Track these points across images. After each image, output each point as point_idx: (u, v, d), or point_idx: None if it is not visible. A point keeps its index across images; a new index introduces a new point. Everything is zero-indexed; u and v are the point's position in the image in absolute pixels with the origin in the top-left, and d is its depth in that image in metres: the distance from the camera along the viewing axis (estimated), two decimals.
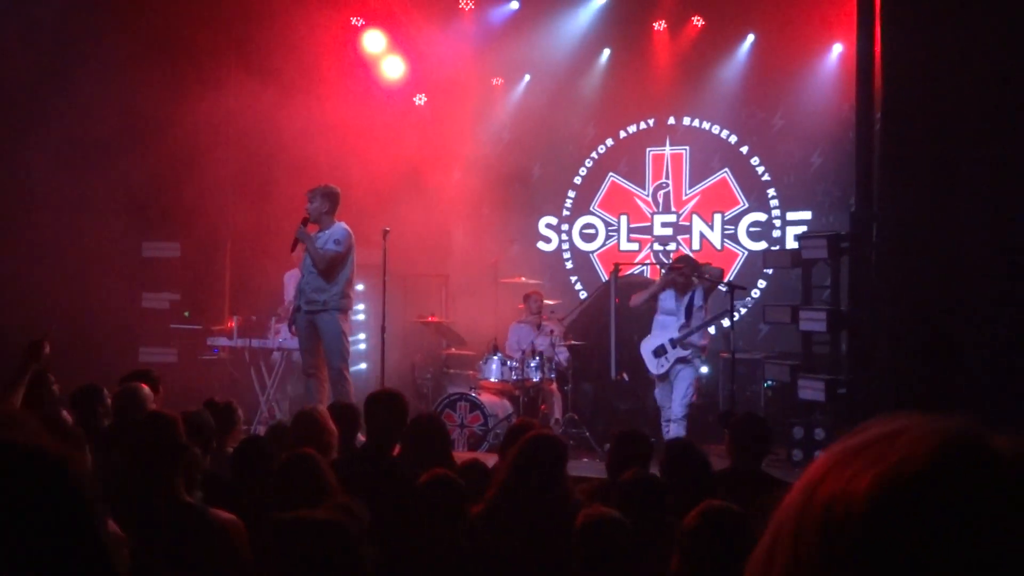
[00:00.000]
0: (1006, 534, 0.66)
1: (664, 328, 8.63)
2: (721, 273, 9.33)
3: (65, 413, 5.36)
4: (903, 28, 7.76)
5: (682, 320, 8.53)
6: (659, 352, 8.60)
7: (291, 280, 9.78)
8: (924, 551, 0.67)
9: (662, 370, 8.58)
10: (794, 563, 0.73)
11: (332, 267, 7.98)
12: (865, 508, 0.69)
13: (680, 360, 8.52)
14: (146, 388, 5.51)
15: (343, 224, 8.14)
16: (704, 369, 10.37)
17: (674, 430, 8.28)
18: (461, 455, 7.34)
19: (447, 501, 3.59)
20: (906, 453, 0.70)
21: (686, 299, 8.58)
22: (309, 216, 8.02)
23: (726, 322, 8.98)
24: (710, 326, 8.85)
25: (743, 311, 11.19)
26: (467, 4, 11.47)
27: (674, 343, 8.49)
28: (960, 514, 0.67)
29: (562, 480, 4.16)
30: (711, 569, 2.92)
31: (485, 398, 9.20)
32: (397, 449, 5.00)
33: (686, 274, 8.55)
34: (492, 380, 9.31)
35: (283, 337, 9.43)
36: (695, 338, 8.55)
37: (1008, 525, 0.66)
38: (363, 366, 10.57)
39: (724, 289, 8.60)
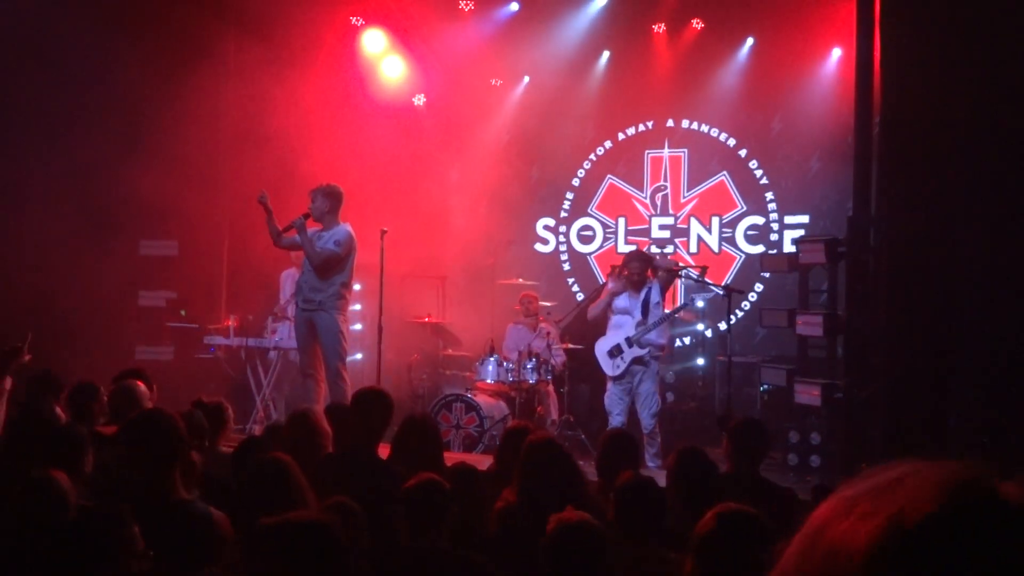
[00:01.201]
0: None
1: (619, 328, 8.46)
2: (675, 264, 9.25)
3: (59, 410, 5.33)
4: (902, 33, 7.76)
5: (638, 318, 8.38)
6: (614, 352, 8.41)
7: (288, 279, 9.77)
8: None
9: (618, 371, 8.39)
10: None
11: (328, 266, 7.93)
12: (867, 557, 0.67)
13: (636, 360, 8.33)
14: (142, 386, 5.50)
15: (347, 226, 8.08)
16: (700, 361, 10.37)
17: (649, 454, 8.18)
18: (456, 456, 7.37)
19: (433, 506, 3.54)
20: (910, 501, 0.68)
21: (641, 295, 8.41)
22: (311, 214, 7.96)
23: (727, 326, 8.96)
24: (667, 320, 8.64)
25: (739, 314, 11.20)
26: (467, 5, 11.46)
27: (630, 342, 8.33)
28: (967, 564, 0.65)
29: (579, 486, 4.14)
30: (727, 572, 2.87)
31: (481, 399, 9.20)
32: (385, 449, 5.00)
33: (638, 271, 8.40)
34: (488, 381, 9.31)
35: (279, 336, 9.42)
36: (653, 336, 8.34)
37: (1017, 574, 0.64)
38: (359, 356, 10.53)
39: (720, 293, 8.58)
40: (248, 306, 10.14)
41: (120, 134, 9.42)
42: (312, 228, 8.03)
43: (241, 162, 10.23)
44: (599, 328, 8.77)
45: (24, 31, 9.26)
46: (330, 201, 8.04)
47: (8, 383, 5.63)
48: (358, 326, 10.67)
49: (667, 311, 8.54)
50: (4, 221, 9.24)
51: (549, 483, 3.98)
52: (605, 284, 9.03)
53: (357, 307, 10.78)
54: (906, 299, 7.57)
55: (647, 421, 8.36)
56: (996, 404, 7.26)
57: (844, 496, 0.73)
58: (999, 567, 0.64)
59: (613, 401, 8.45)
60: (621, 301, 8.50)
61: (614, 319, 8.55)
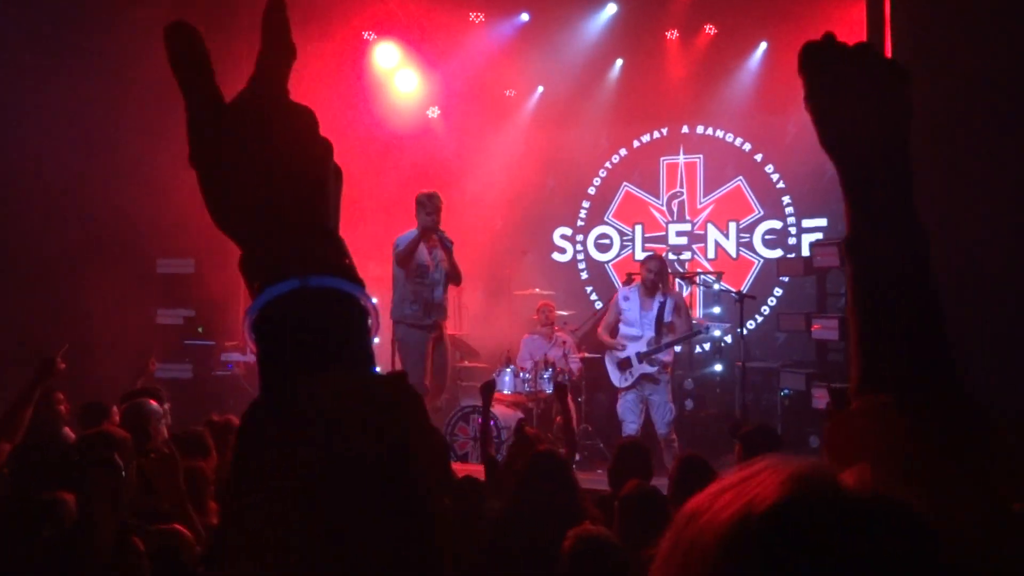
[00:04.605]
0: (846, 570, 0.67)
1: (628, 337, 8.47)
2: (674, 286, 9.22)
3: (67, 430, 5.36)
4: (913, 35, 7.70)
5: (650, 335, 8.37)
6: (623, 366, 8.44)
7: None
8: None
9: (625, 384, 8.43)
10: None
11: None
12: (720, 545, 0.70)
13: (645, 376, 8.36)
14: (154, 404, 5.51)
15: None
16: (718, 367, 10.30)
17: (667, 461, 8.13)
18: (475, 468, 7.34)
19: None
20: (760, 492, 0.72)
21: (653, 311, 8.40)
22: (437, 225, 7.81)
23: (726, 333, 8.89)
24: (679, 344, 8.67)
25: (759, 319, 11.13)
26: (477, 17, 11.48)
27: (640, 357, 8.35)
28: (806, 548, 0.68)
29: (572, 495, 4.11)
30: None
31: (498, 410, 9.16)
32: None
33: (654, 271, 8.33)
34: (505, 392, 9.28)
35: None
36: (662, 355, 8.40)
37: (848, 562, 0.67)
38: (377, 369, 10.54)
39: (735, 297, 8.52)
40: None
41: (135, 153, 9.49)
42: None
43: None
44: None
45: (39, 48, 9.35)
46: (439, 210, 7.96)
47: (63, 408, 5.69)
48: (376, 340, 10.68)
49: (682, 335, 8.49)
50: (25, 240, 9.30)
51: (546, 495, 3.95)
52: (612, 299, 9.00)
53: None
54: None
55: (662, 429, 8.33)
56: (1017, 402, 7.16)
57: (710, 491, 0.76)
58: (833, 550, 0.67)
59: (626, 409, 8.43)
60: (631, 313, 8.46)
61: (623, 329, 8.52)
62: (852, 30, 10.11)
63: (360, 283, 0.81)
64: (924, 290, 1.07)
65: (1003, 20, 7.25)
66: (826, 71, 1.12)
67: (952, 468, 0.96)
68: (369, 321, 0.81)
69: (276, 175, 0.80)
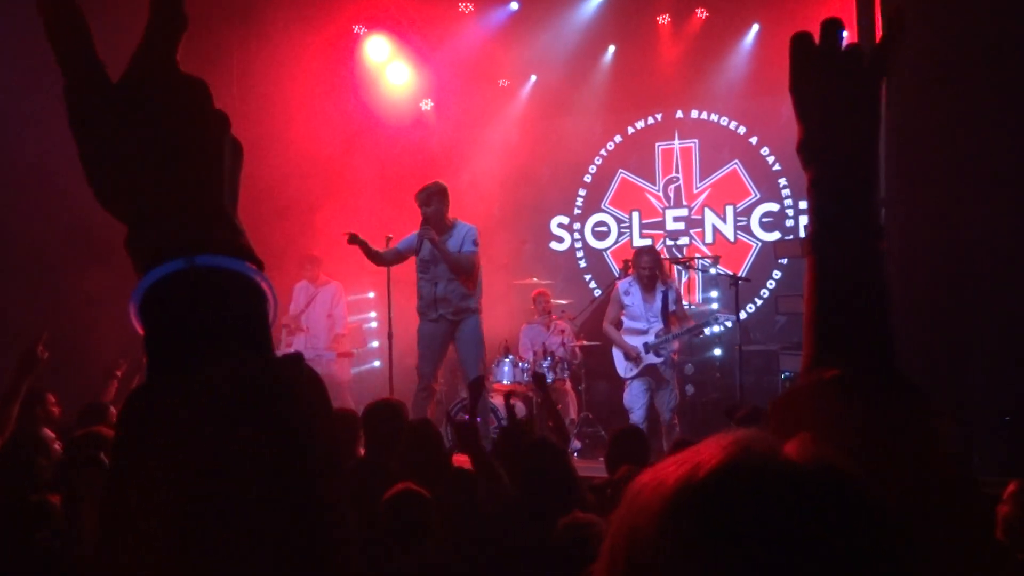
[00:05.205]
0: (779, 541, 0.67)
1: (633, 329, 8.45)
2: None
3: (47, 431, 5.29)
4: (906, 11, 7.65)
5: (658, 326, 8.35)
6: (632, 357, 8.46)
7: (301, 291, 9.80)
8: (702, 554, 0.68)
9: (631, 374, 8.40)
10: (610, 550, 0.75)
11: (472, 269, 7.76)
12: (662, 510, 0.71)
13: (653, 367, 8.35)
14: None
15: (467, 223, 7.86)
16: (718, 351, 10.29)
17: (666, 442, 8.10)
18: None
19: (412, 517, 3.44)
20: (702, 460, 0.72)
21: (657, 303, 8.37)
22: (429, 220, 7.62)
23: (718, 327, 8.90)
24: (689, 335, 8.64)
25: (759, 303, 11.11)
26: (467, 7, 11.44)
27: (647, 348, 8.35)
28: (742, 511, 0.68)
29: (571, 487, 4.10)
30: None
31: (498, 401, 9.15)
32: None
33: (648, 266, 8.30)
34: (505, 383, 9.26)
35: (295, 348, 9.45)
36: (671, 345, 8.40)
37: (786, 521, 0.67)
38: (376, 364, 10.57)
39: (731, 281, 8.50)
40: None
41: None
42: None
43: (253, 178, 10.25)
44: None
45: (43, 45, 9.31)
46: (445, 199, 7.73)
47: (56, 410, 5.66)
48: (375, 344, 10.70)
49: (691, 326, 8.47)
50: (21, 240, 9.27)
51: (544, 486, 3.93)
52: (612, 286, 8.97)
53: (373, 314, 10.82)
54: (919, 279, 7.46)
55: (665, 414, 8.34)
56: (1016, 384, 7.13)
57: (659, 464, 0.77)
58: (773, 509, 0.68)
59: (633, 398, 8.41)
60: (635, 308, 8.43)
61: (626, 322, 8.51)
62: (843, 7, 10.05)
63: (257, 263, 0.78)
64: (877, 280, 1.11)
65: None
66: (808, 73, 1.16)
67: (888, 442, 0.98)
68: (267, 303, 0.78)
69: (162, 151, 0.77)
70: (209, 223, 0.78)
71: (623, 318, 8.52)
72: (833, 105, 1.14)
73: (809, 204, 1.16)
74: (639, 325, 8.39)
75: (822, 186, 1.14)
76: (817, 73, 1.15)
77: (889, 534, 0.69)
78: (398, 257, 7.88)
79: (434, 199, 7.65)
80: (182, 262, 0.74)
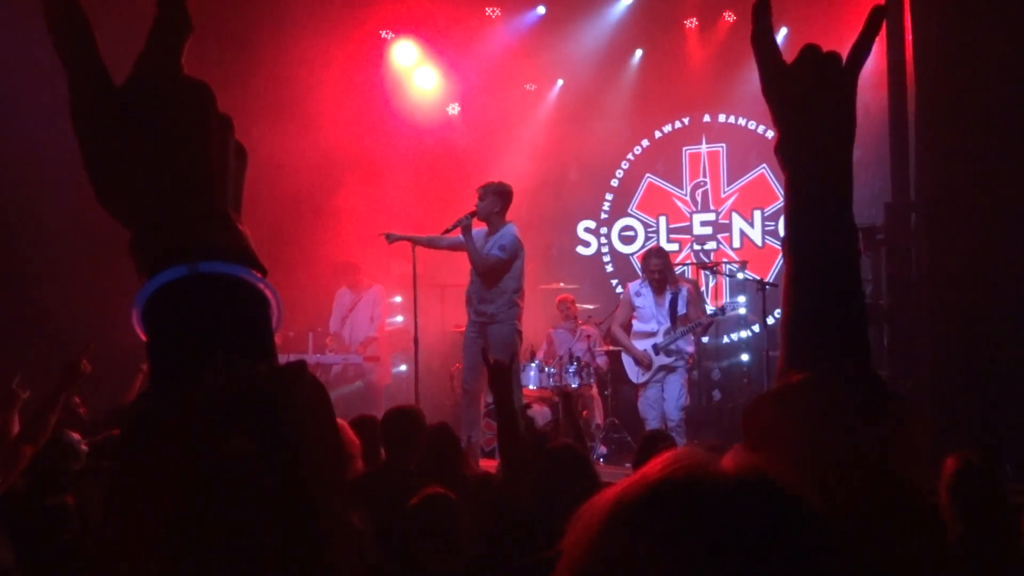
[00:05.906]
0: (705, 550, 0.68)
1: (643, 332, 8.42)
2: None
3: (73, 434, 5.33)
4: (934, 16, 7.60)
5: (666, 325, 8.30)
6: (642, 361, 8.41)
7: (342, 299, 9.80)
8: (632, 569, 0.69)
9: (643, 379, 8.38)
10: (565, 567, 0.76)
11: (494, 274, 7.54)
12: (602, 521, 0.73)
13: (664, 368, 8.31)
14: None
15: (513, 228, 7.67)
16: (745, 357, 10.22)
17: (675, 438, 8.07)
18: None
19: (439, 521, 3.44)
20: (642, 476, 0.74)
21: (666, 303, 8.33)
22: (478, 213, 7.54)
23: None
24: (695, 331, 8.54)
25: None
26: (493, 12, 11.45)
27: (657, 349, 8.29)
28: (667, 521, 0.70)
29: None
30: None
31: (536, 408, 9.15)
32: None
33: (658, 268, 8.27)
34: (531, 387, 9.24)
35: (320, 354, 9.47)
36: (682, 343, 8.32)
37: (708, 531, 0.68)
38: (403, 367, 10.58)
39: (758, 286, 8.44)
40: (289, 323, 10.21)
41: None
42: (477, 228, 7.63)
43: (279, 180, 10.32)
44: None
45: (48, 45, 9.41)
46: (501, 201, 7.62)
47: (83, 412, 5.70)
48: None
49: (697, 321, 8.41)
50: (41, 249, 9.35)
51: (567, 493, 3.92)
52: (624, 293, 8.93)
53: (399, 319, 10.83)
54: (949, 285, 7.38)
55: (673, 414, 8.30)
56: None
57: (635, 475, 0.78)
58: (695, 521, 0.69)
59: (646, 407, 8.41)
60: (646, 309, 8.39)
61: (636, 324, 8.48)
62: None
63: (260, 269, 0.78)
64: (853, 282, 1.12)
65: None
66: (780, 76, 1.18)
67: (855, 444, 0.98)
68: (270, 309, 0.78)
69: (165, 154, 0.77)
70: (212, 228, 0.78)
71: (633, 320, 8.50)
72: (807, 107, 1.15)
73: (785, 206, 1.18)
74: (649, 327, 8.38)
75: (797, 188, 1.15)
76: (790, 75, 1.15)
77: (821, 540, 0.70)
78: (455, 245, 7.79)
79: (489, 195, 7.61)
80: (185, 268, 0.74)
